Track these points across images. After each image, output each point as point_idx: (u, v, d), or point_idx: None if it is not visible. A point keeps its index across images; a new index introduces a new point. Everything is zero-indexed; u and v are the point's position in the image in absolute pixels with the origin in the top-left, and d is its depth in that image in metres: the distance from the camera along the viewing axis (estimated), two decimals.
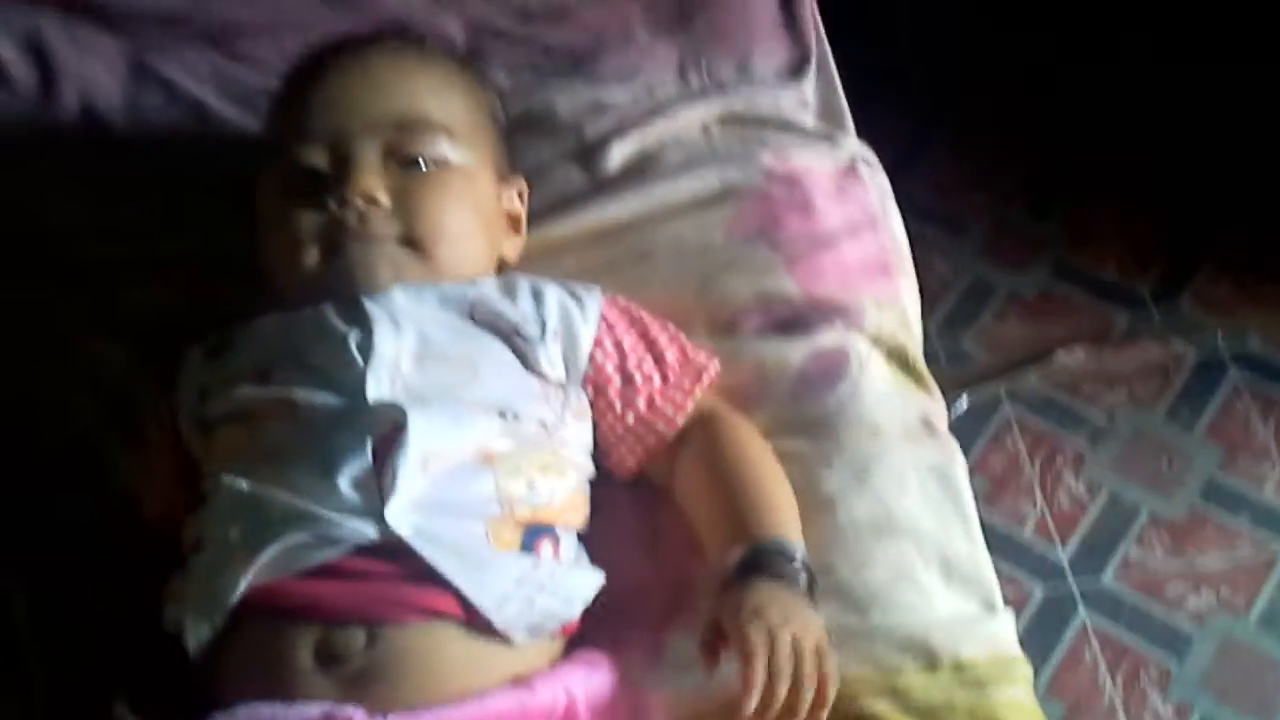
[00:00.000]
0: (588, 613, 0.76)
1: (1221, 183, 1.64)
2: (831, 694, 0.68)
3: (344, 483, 0.70)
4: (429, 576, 0.68)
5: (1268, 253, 1.59)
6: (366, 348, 0.75)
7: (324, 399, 0.74)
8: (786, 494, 0.79)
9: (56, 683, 0.78)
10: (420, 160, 0.82)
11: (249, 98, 1.05)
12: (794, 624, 0.68)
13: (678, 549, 0.81)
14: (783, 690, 0.66)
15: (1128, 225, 1.62)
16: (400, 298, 0.79)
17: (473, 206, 0.84)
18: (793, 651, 0.66)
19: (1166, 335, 1.52)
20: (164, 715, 0.68)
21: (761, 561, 0.72)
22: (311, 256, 0.81)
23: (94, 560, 0.84)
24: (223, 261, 0.92)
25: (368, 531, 0.69)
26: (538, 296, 0.82)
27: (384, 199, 0.81)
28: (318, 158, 0.82)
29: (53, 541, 0.85)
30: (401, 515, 0.69)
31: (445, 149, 0.83)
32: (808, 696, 0.66)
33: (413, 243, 0.81)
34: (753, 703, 0.65)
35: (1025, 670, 0.77)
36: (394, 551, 0.69)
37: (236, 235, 0.89)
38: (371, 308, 0.77)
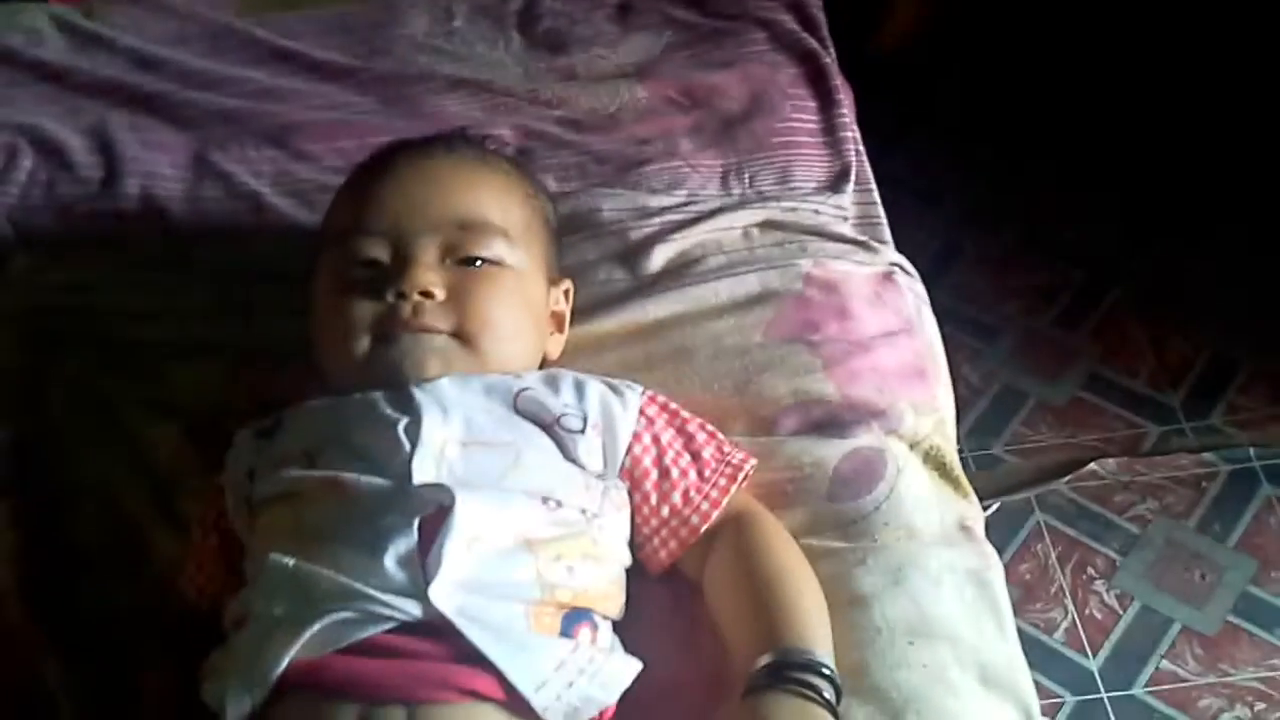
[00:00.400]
0: (623, 705, 0.76)
1: (1253, 298, 1.66)
2: None
3: (390, 561, 0.71)
4: (470, 657, 0.69)
5: None
6: (414, 433, 0.77)
7: (370, 481, 0.76)
8: (817, 600, 0.78)
9: None
10: (477, 260, 0.86)
11: (304, 193, 1.09)
12: None
13: (713, 644, 0.80)
14: None
15: (1159, 337, 1.63)
16: (447, 386, 0.81)
17: (523, 305, 0.87)
18: None
19: (1198, 447, 1.51)
20: None
21: (785, 671, 0.72)
22: (363, 344, 0.83)
23: (136, 642, 0.85)
24: (272, 348, 0.95)
25: (412, 610, 0.70)
26: (580, 389, 0.84)
27: (439, 294, 0.84)
28: (379, 250, 0.85)
29: (95, 623, 0.86)
30: (446, 595, 0.70)
31: (501, 250, 0.87)
32: None
33: (463, 336, 0.84)
34: None
35: None
36: (437, 631, 0.69)
37: (286, 322, 0.92)
38: (420, 395, 0.79)
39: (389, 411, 0.79)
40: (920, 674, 0.78)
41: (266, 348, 0.96)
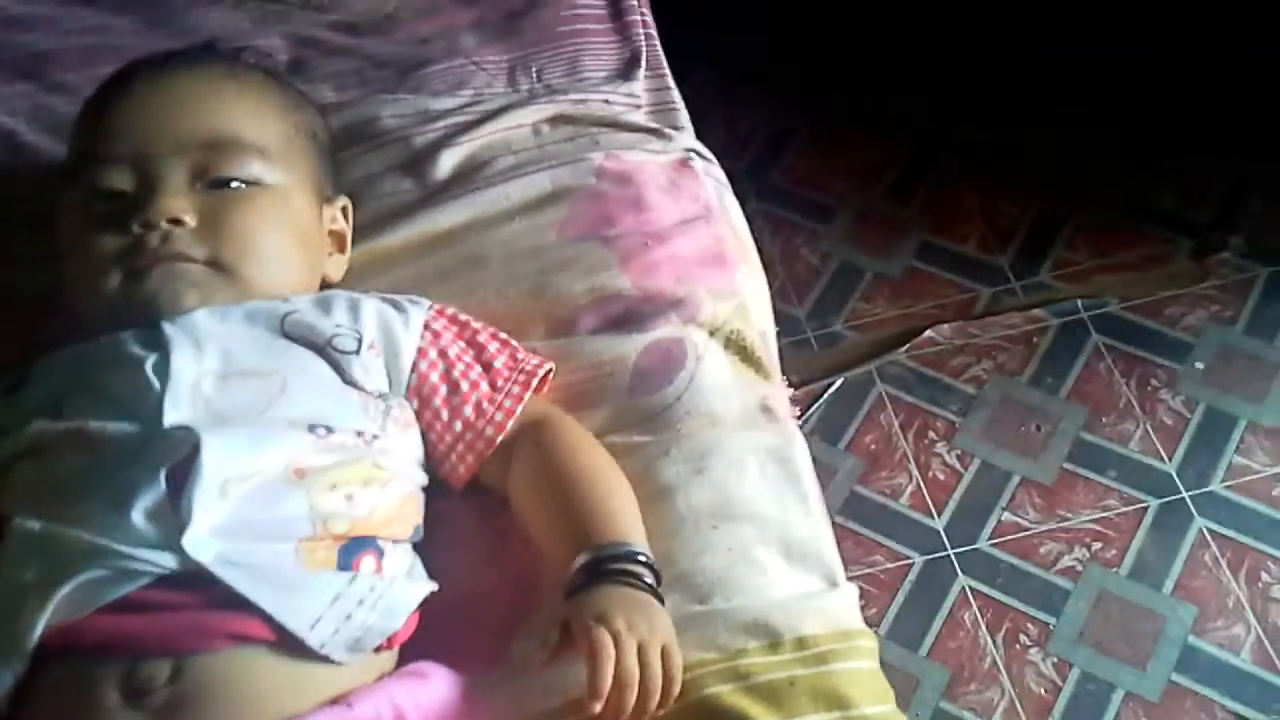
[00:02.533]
0: (427, 624, 0.75)
1: (1073, 155, 1.69)
2: (675, 690, 0.70)
3: (137, 514, 0.68)
4: (237, 602, 0.67)
5: (1121, 218, 1.64)
6: (164, 370, 0.74)
7: (118, 428, 0.72)
8: (625, 494, 0.79)
9: None
10: (230, 181, 0.81)
11: (63, 128, 1.00)
12: (639, 628, 0.69)
13: (520, 553, 0.81)
14: (630, 698, 0.67)
15: (987, 202, 1.66)
16: (203, 318, 0.78)
17: (285, 226, 0.83)
18: (636, 656, 0.67)
19: (1028, 304, 1.55)
20: None
21: (604, 567, 0.72)
22: (113, 281, 0.79)
23: None
24: (34, 298, 0.89)
25: (167, 562, 0.67)
26: (355, 309, 0.81)
27: (190, 220, 0.79)
28: (121, 179, 0.80)
29: None
30: (201, 542, 0.68)
31: (257, 169, 0.82)
32: (654, 699, 0.68)
33: (221, 264, 0.80)
34: (597, 708, 0.66)
35: (868, 642, 0.78)
36: (200, 580, 0.67)
37: (49, 271, 0.86)
38: (170, 330, 0.76)
39: (136, 350, 0.76)
40: (724, 556, 0.79)
41: (28, 298, 0.91)
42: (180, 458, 0.70)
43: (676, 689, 0.70)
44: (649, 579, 0.73)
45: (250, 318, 0.79)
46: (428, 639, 0.75)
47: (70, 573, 0.67)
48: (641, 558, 0.73)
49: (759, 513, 0.82)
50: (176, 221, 0.79)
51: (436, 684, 0.72)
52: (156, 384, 0.73)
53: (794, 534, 0.81)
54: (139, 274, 0.79)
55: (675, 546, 0.79)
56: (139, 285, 0.78)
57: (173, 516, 0.68)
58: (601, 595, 0.71)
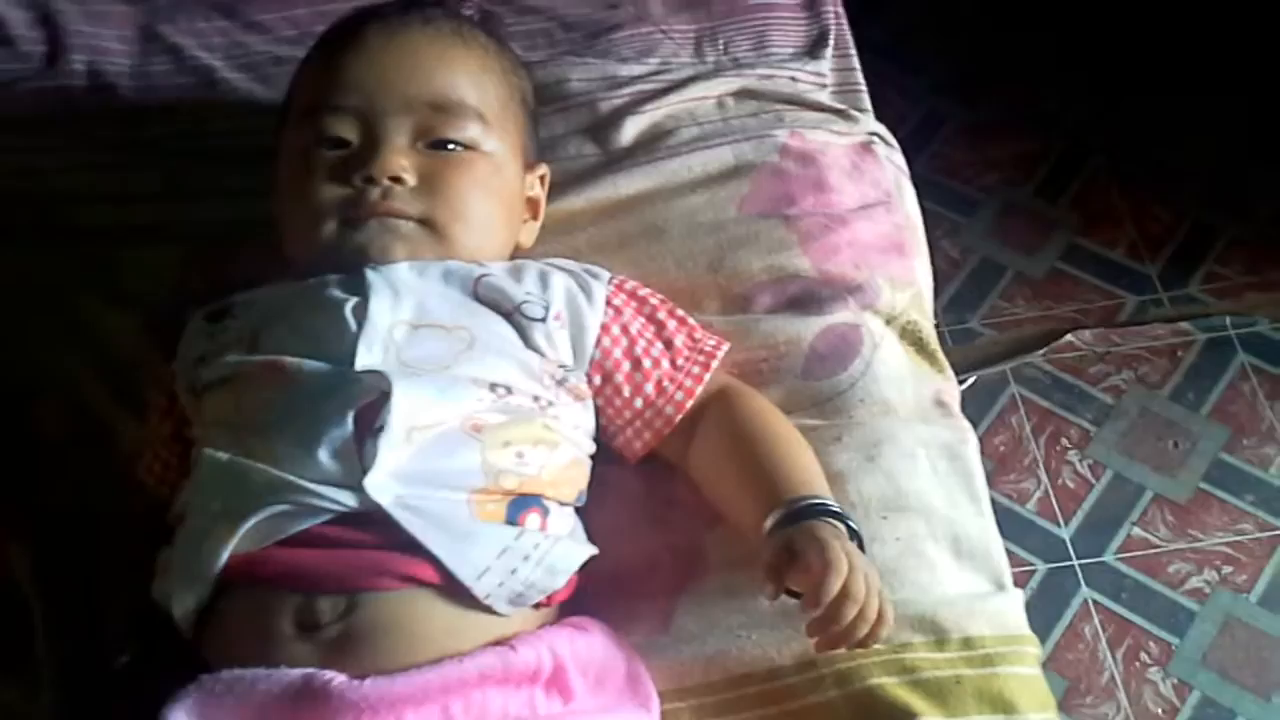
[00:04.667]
0: (589, 588, 0.76)
1: (1233, 168, 1.63)
2: (884, 630, 0.68)
3: (324, 452, 0.69)
4: (409, 546, 0.68)
5: (1278, 235, 1.58)
6: (361, 314, 0.75)
7: (312, 365, 0.74)
8: (811, 458, 0.78)
9: (60, 648, 0.79)
10: (450, 143, 0.82)
11: (258, 66, 1.04)
12: (855, 556, 0.68)
13: (685, 521, 0.81)
14: (850, 612, 0.66)
15: (1139, 207, 1.61)
16: (404, 270, 0.79)
17: (496, 194, 0.84)
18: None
19: (1174, 317, 1.51)
20: (161, 682, 0.68)
21: (808, 514, 0.71)
22: (329, 228, 0.80)
23: (99, 527, 0.84)
24: (231, 229, 0.91)
25: (348, 501, 0.68)
26: (544, 279, 0.82)
27: (410, 179, 0.80)
28: (347, 129, 0.82)
29: (58, 508, 0.85)
30: (382, 485, 0.69)
31: (476, 134, 0.83)
32: (867, 625, 0.67)
33: (432, 224, 0.81)
34: (821, 608, 0.66)
35: (1033, 648, 0.77)
36: (376, 521, 0.69)
37: (242, 204, 0.88)
38: (372, 276, 0.77)
39: (337, 293, 0.77)
40: (894, 547, 0.79)
41: (222, 231, 0.93)
42: (369, 400, 0.71)
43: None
44: (852, 531, 0.72)
45: (446, 276, 0.80)
46: (590, 603, 0.76)
47: (256, 505, 0.69)
48: (838, 509, 0.73)
49: (929, 507, 0.81)
50: (397, 179, 0.80)
51: (596, 638, 0.73)
52: (354, 326, 0.75)
53: (964, 531, 0.81)
54: (355, 224, 0.80)
55: None
56: (353, 234, 0.80)
57: (357, 457, 0.69)
58: (815, 527, 0.70)
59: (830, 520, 0.71)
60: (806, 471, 0.76)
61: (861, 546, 0.72)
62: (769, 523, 0.72)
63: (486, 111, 0.84)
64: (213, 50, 1.06)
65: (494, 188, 0.84)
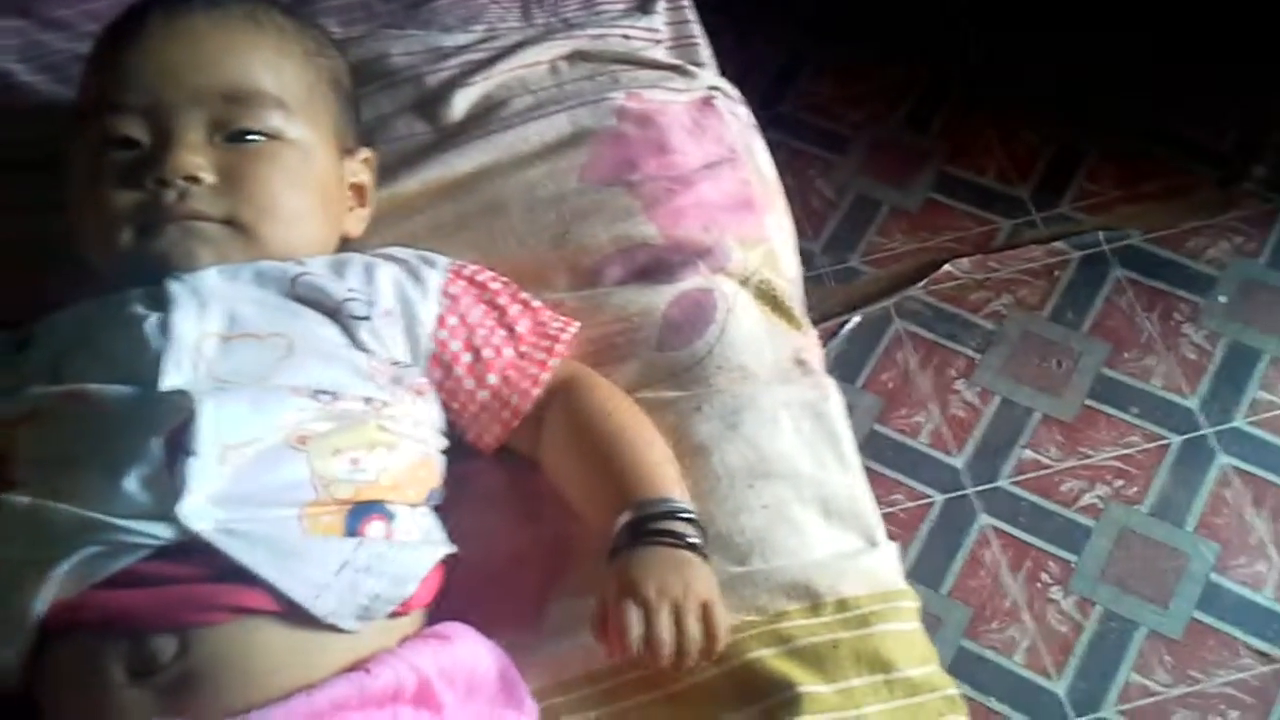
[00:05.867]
0: (461, 588, 0.74)
1: (1096, 84, 1.63)
2: (718, 645, 0.69)
3: (132, 484, 0.65)
4: (239, 573, 0.65)
5: (1144, 149, 1.59)
6: (165, 331, 0.71)
7: (116, 390, 0.69)
8: (661, 450, 0.77)
9: None
10: (249, 134, 0.77)
11: (58, 66, 0.97)
12: (672, 591, 0.67)
13: (553, 515, 0.79)
14: (663, 662, 0.67)
15: (1006, 133, 1.61)
16: (211, 276, 0.74)
17: (309, 184, 0.79)
18: (672, 620, 0.66)
19: (1048, 237, 1.52)
20: None
21: (646, 525, 0.70)
22: (126, 237, 0.75)
23: None
24: (33, 248, 0.86)
25: (163, 533, 0.64)
26: (370, 273, 0.78)
27: (208, 177, 0.75)
28: (135, 128, 0.76)
29: None
30: (198, 512, 0.65)
31: (278, 123, 0.78)
32: (692, 658, 0.68)
33: (239, 224, 0.76)
34: (635, 669, 0.66)
35: (910, 602, 0.77)
36: (201, 551, 0.65)
37: (49, 218, 0.82)
38: (175, 287, 0.73)
39: (139, 309, 0.72)
40: (762, 515, 0.77)
41: (31, 249, 0.87)
42: (177, 423, 0.67)
43: (720, 645, 0.69)
44: (692, 535, 0.71)
45: (259, 278, 0.75)
46: (461, 603, 0.73)
47: (66, 549, 0.65)
48: (683, 513, 0.72)
49: (795, 470, 0.80)
50: (193, 178, 0.75)
51: (461, 646, 0.70)
52: (157, 344, 0.70)
53: (831, 491, 0.80)
54: (152, 231, 0.75)
55: (711, 506, 0.77)
56: (151, 242, 0.75)
57: (169, 485, 0.65)
58: (637, 560, 0.69)
59: (670, 530, 0.70)
60: (652, 470, 0.74)
61: (705, 538, 0.72)
62: (616, 527, 0.71)
63: (287, 97, 0.79)
64: (7, 51, 0.99)
65: (304, 178, 0.79)
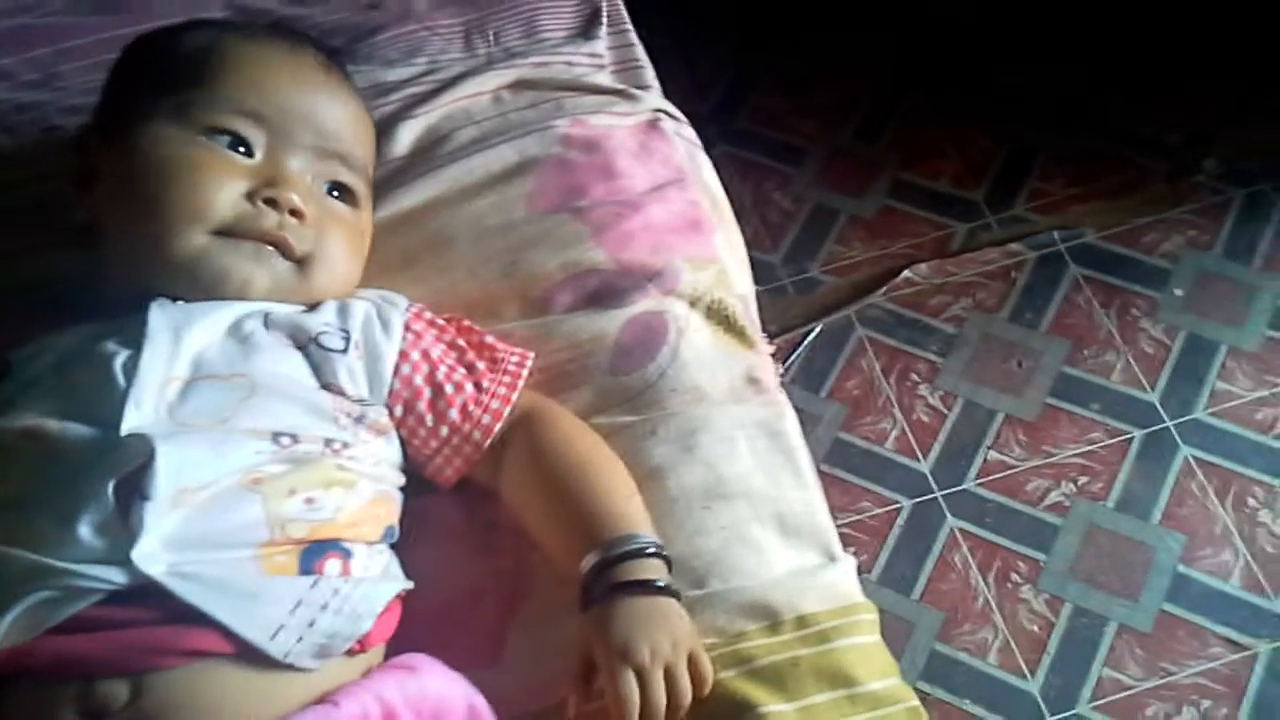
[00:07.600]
0: (421, 622, 0.73)
1: (1044, 84, 1.65)
2: (705, 691, 0.70)
3: (84, 528, 0.64)
4: (193, 616, 0.64)
5: (1095, 145, 1.61)
6: (132, 369, 0.70)
7: (75, 430, 0.68)
8: (624, 482, 0.77)
9: None
10: (336, 190, 0.81)
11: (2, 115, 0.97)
12: (663, 650, 0.68)
13: (509, 547, 0.79)
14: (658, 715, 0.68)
15: (958, 137, 1.62)
16: (195, 313, 0.74)
17: (361, 246, 0.84)
18: (663, 680, 0.68)
19: (1004, 239, 1.53)
20: None
21: (616, 568, 0.71)
22: (198, 232, 0.75)
23: None
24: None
25: (116, 578, 0.64)
26: (343, 309, 0.79)
27: (309, 219, 0.78)
28: (251, 131, 0.78)
29: None
30: (151, 555, 0.64)
31: (361, 187, 0.83)
32: (683, 710, 0.69)
33: (306, 268, 0.78)
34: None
35: (869, 614, 0.77)
36: (154, 594, 0.64)
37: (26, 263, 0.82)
38: (154, 322, 0.72)
39: (110, 344, 0.72)
40: (719, 537, 0.77)
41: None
42: (133, 467, 0.66)
43: (706, 690, 0.70)
44: (663, 577, 0.72)
45: (237, 317, 0.76)
46: (422, 638, 0.73)
47: (16, 595, 0.64)
48: (651, 549, 0.72)
49: (751, 489, 0.80)
50: (298, 214, 0.77)
51: (426, 677, 0.70)
52: (121, 383, 0.70)
53: (788, 509, 0.80)
54: (230, 240, 0.76)
55: (669, 530, 0.77)
56: (223, 249, 0.75)
57: (123, 529, 0.65)
58: (621, 616, 0.69)
59: (641, 579, 0.70)
60: (617, 505, 0.74)
61: (670, 569, 0.72)
62: (583, 569, 0.71)
63: (368, 165, 0.85)
64: None
65: (361, 242, 0.84)
